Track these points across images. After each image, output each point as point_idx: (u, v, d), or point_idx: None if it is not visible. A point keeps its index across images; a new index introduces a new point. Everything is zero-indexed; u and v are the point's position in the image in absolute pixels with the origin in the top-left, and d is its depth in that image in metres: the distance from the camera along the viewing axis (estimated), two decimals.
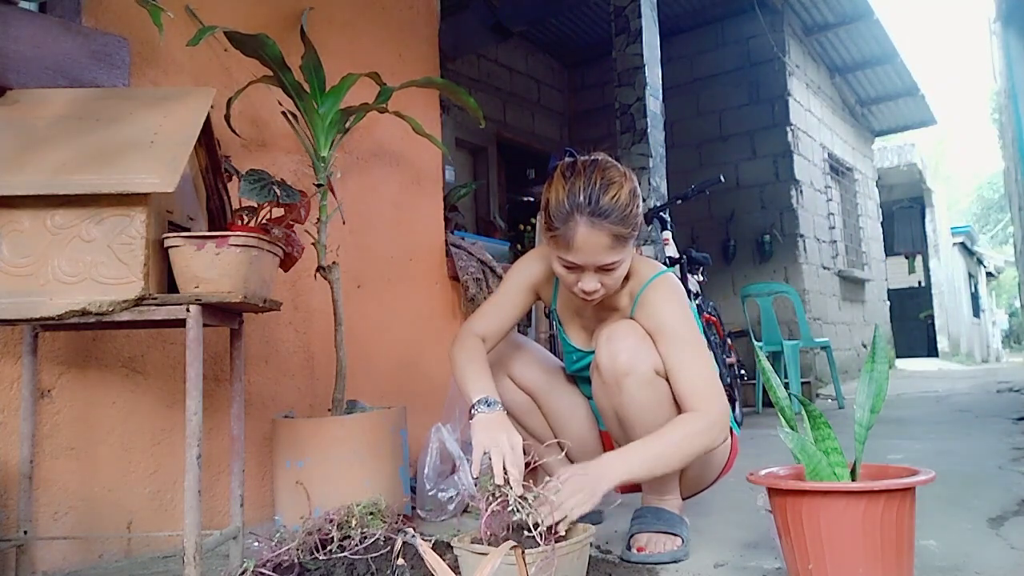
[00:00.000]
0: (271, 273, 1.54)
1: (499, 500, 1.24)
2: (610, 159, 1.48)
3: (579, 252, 1.39)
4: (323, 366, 2.28)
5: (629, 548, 1.52)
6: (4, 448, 1.57)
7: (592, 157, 1.46)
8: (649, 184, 3.65)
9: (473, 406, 1.42)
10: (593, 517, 1.86)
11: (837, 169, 7.43)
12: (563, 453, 1.70)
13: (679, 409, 1.49)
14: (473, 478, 1.34)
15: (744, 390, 4.62)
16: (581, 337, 1.71)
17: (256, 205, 1.58)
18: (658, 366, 1.48)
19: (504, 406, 1.46)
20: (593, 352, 1.63)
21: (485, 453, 1.30)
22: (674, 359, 1.48)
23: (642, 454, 1.37)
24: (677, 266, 3.58)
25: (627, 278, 1.57)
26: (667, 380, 1.49)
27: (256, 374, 2.10)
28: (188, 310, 1.33)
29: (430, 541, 1.55)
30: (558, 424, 1.77)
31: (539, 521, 1.19)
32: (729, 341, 4.44)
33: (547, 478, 1.33)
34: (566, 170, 1.43)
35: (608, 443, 1.75)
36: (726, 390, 3.82)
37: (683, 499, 1.65)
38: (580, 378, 1.75)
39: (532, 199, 5.51)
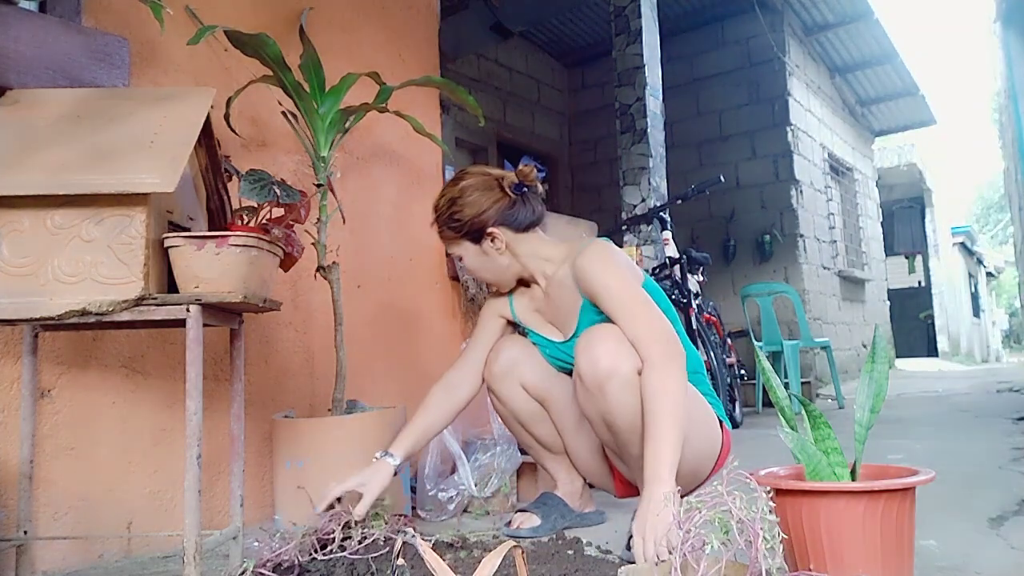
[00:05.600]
0: (271, 273, 1.54)
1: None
2: (473, 168, 1.75)
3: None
4: (323, 366, 2.28)
5: (629, 548, 1.52)
6: (4, 448, 1.57)
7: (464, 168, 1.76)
8: (649, 184, 3.65)
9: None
10: (594, 517, 1.86)
11: (837, 169, 7.43)
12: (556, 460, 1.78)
13: None
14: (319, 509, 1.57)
15: (744, 390, 4.62)
16: (547, 328, 1.77)
17: (256, 205, 1.57)
18: (639, 365, 1.48)
19: (514, 413, 1.78)
20: (563, 342, 1.71)
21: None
22: (615, 317, 1.53)
23: (665, 445, 1.36)
24: (677, 266, 3.58)
25: (562, 259, 1.70)
26: None
27: (256, 374, 2.10)
28: (188, 310, 1.33)
29: (430, 541, 1.55)
30: (566, 433, 1.79)
31: None
32: (729, 341, 4.44)
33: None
34: None
35: None
36: (726, 390, 3.83)
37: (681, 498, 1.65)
38: None
39: None
